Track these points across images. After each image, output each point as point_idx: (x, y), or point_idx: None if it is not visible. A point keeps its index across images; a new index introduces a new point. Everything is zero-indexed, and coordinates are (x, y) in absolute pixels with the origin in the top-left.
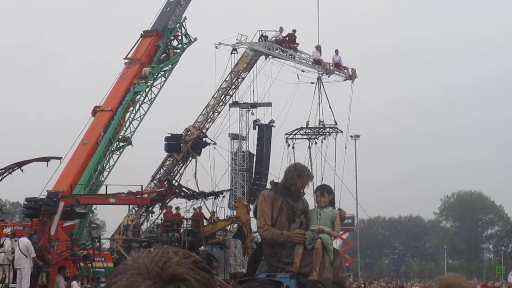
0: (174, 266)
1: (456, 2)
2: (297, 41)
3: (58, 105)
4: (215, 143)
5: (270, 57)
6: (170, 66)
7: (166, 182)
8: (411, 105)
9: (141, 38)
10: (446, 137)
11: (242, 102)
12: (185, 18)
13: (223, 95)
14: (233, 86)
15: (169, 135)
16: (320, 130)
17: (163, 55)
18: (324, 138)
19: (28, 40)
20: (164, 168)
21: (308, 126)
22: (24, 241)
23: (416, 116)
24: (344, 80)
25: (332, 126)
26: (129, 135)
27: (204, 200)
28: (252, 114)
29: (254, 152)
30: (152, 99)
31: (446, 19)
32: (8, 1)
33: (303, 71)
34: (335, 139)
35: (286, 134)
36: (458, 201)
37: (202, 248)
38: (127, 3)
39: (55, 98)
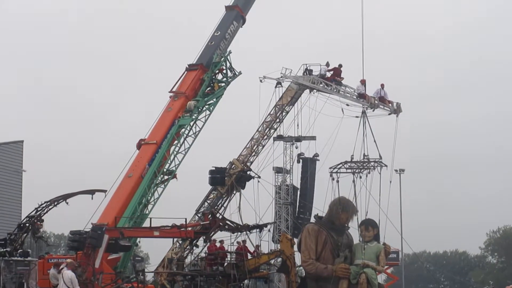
0: None
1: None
2: (342, 75)
3: (105, 138)
4: (259, 177)
5: (315, 90)
6: (214, 99)
7: (210, 215)
8: (456, 131)
9: (186, 72)
10: (492, 166)
11: (287, 135)
12: (230, 52)
13: (268, 129)
14: (278, 120)
15: (214, 168)
16: (364, 164)
17: (208, 89)
18: (369, 172)
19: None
20: (208, 201)
21: (353, 160)
22: (68, 274)
23: (462, 142)
24: (389, 114)
25: (376, 160)
26: (174, 168)
27: (248, 233)
28: (296, 148)
29: (298, 186)
30: (196, 133)
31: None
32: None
33: (347, 105)
34: (380, 173)
35: (330, 168)
36: (504, 236)
37: (246, 282)
38: (173, 37)
39: (102, 131)
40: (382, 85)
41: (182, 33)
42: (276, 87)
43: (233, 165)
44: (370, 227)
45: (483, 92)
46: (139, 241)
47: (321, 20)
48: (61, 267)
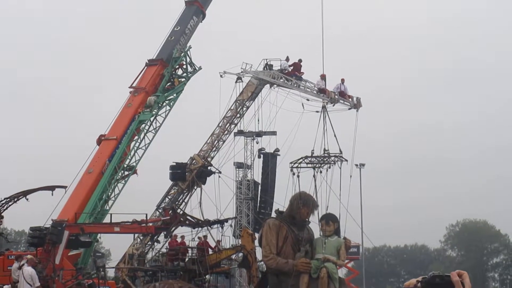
0: None
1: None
2: (302, 70)
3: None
4: (220, 172)
5: (275, 86)
6: (175, 95)
7: (171, 211)
8: (416, 134)
9: (146, 67)
10: (453, 164)
11: (247, 130)
12: (190, 47)
13: (228, 124)
14: (238, 115)
15: (174, 164)
16: (325, 159)
17: (168, 84)
18: (329, 167)
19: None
20: (169, 197)
21: (313, 155)
22: (29, 270)
23: (422, 144)
24: (349, 109)
25: (337, 154)
26: (134, 164)
27: (209, 228)
28: (257, 143)
29: (259, 181)
30: (157, 128)
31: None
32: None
33: (308, 99)
34: (340, 168)
35: (291, 162)
36: (463, 229)
37: (207, 277)
38: (132, 32)
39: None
40: (343, 80)
41: (143, 27)
42: (236, 82)
43: (194, 161)
44: (330, 221)
45: (450, 97)
46: (100, 237)
47: (285, 15)
48: (22, 263)
